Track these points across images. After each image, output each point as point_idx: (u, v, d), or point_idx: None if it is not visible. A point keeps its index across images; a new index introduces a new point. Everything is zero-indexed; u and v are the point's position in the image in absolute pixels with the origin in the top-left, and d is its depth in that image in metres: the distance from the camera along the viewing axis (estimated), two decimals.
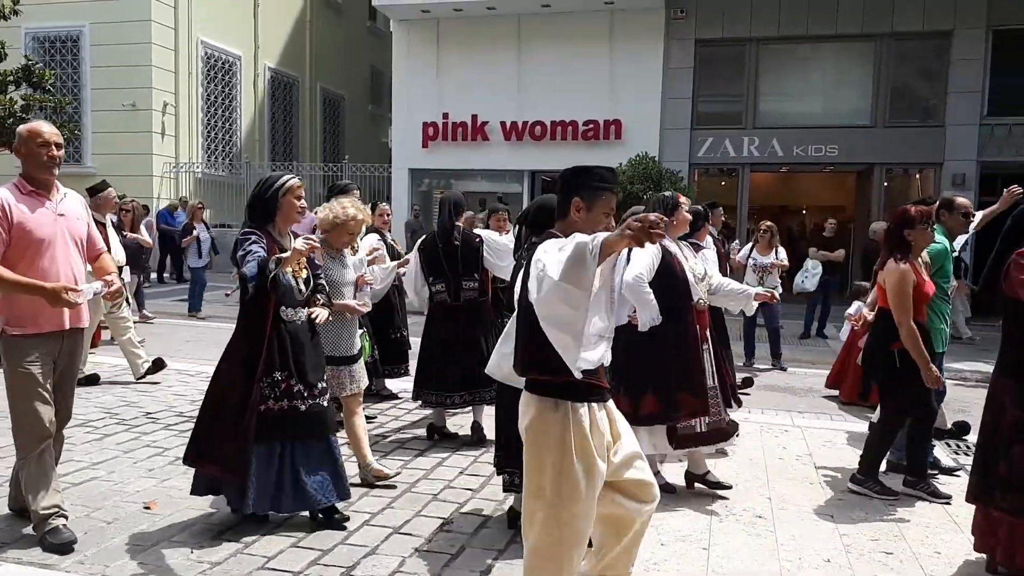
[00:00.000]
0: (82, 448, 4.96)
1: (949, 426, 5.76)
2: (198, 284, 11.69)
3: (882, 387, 4.58)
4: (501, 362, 3.08)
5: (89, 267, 3.77)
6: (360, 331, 4.62)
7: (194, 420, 5.69)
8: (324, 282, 4.00)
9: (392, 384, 6.65)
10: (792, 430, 5.94)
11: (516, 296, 2.85)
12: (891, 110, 14.63)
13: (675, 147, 15.27)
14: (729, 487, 4.43)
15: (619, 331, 3.54)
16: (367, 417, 5.32)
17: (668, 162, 14.83)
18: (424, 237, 5.44)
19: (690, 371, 4.23)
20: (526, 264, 2.68)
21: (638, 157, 14.27)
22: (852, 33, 14.58)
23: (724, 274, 5.64)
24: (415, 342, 5.90)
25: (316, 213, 4.74)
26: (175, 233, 15.28)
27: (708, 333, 4.49)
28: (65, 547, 3.46)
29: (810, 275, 10.08)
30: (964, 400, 7.09)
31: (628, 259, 3.65)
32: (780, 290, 8.87)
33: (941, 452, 5.21)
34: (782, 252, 8.86)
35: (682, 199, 4.49)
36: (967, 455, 5.42)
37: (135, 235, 9.53)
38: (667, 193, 4.58)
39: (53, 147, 3.52)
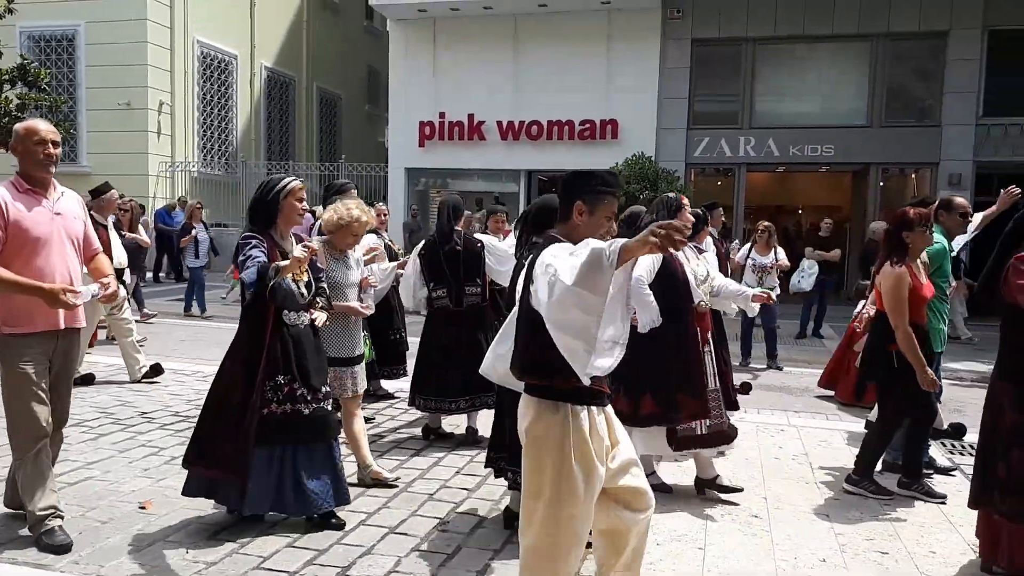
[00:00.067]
0: (77, 448, 4.95)
1: (946, 427, 5.76)
2: (196, 284, 11.67)
3: (881, 388, 4.58)
4: (496, 363, 3.07)
5: (85, 268, 3.76)
6: (363, 333, 4.62)
7: (190, 420, 5.71)
8: (325, 285, 4.00)
9: (388, 384, 6.64)
10: (788, 430, 5.95)
11: (517, 296, 2.83)
12: (887, 110, 14.67)
13: (671, 147, 15.28)
14: (740, 490, 4.39)
15: None
16: (366, 419, 5.31)
17: (664, 162, 14.85)
18: (424, 242, 5.40)
19: (690, 372, 4.22)
20: (527, 265, 2.67)
21: (634, 157, 14.29)
22: (848, 33, 14.61)
23: (724, 274, 5.63)
24: (413, 342, 5.90)
25: (314, 213, 4.74)
26: (173, 233, 15.26)
27: (710, 335, 4.45)
28: (61, 549, 3.45)
29: (806, 275, 10.09)
30: (960, 400, 7.11)
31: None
32: (778, 290, 8.89)
33: (937, 452, 5.22)
34: (781, 252, 8.87)
35: (685, 201, 4.48)
36: (962, 455, 5.44)
37: (133, 235, 9.51)
38: (671, 195, 4.55)
39: (50, 145, 3.50)
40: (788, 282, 10.05)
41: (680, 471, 4.74)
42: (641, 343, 4.02)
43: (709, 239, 6.04)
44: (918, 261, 4.46)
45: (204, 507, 3.98)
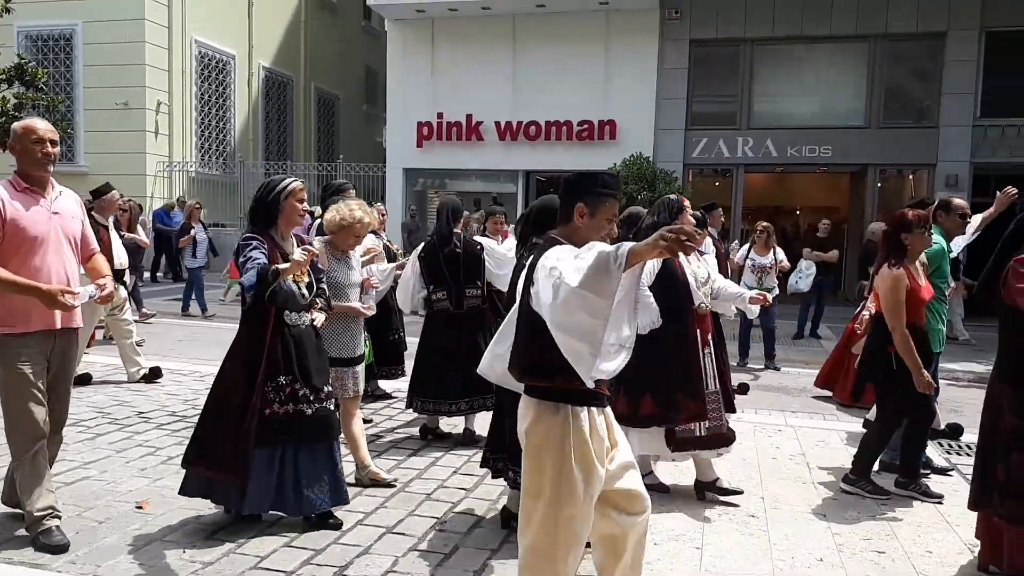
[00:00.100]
0: (74, 447, 4.94)
1: (943, 427, 5.77)
2: (196, 285, 11.64)
3: (881, 388, 4.57)
4: (495, 363, 3.06)
5: (82, 268, 3.75)
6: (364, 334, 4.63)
7: (187, 420, 5.71)
8: (325, 286, 4.00)
9: (386, 384, 6.64)
10: (785, 430, 5.95)
11: (518, 297, 2.83)
12: (885, 111, 14.68)
13: (669, 147, 15.29)
14: (740, 492, 4.38)
15: None
16: (364, 420, 5.31)
17: (662, 162, 14.85)
18: (423, 244, 5.40)
19: (690, 373, 4.22)
20: (528, 266, 2.66)
21: (632, 157, 14.30)
22: (846, 34, 14.63)
23: (724, 274, 5.62)
24: (411, 342, 5.89)
25: (312, 214, 4.73)
26: (171, 233, 15.23)
27: (710, 337, 4.43)
28: (58, 549, 3.45)
29: (804, 276, 10.10)
30: (957, 400, 7.12)
31: None
32: (777, 291, 8.91)
33: (934, 452, 5.23)
34: (780, 252, 8.89)
35: (686, 203, 4.47)
36: (959, 455, 5.45)
37: (132, 235, 9.49)
38: (672, 197, 4.54)
39: (48, 144, 3.50)
40: (786, 283, 10.07)
41: (678, 471, 4.74)
42: (641, 344, 4.00)
43: (709, 240, 6.03)
44: (917, 262, 4.47)
45: (201, 507, 3.98)
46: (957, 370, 8.57)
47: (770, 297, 4.81)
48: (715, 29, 15.03)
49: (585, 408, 2.59)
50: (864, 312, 5.74)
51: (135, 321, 7.99)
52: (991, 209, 5.60)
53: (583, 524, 2.61)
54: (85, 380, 6.76)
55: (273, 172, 18.09)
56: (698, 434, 4.28)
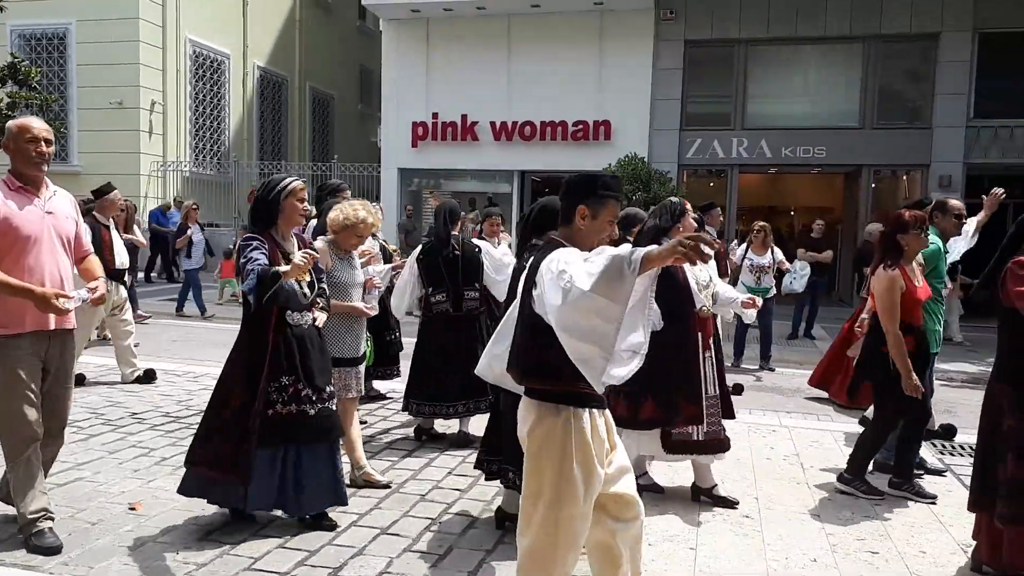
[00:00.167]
0: (67, 448, 4.88)
1: (937, 428, 5.79)
2: (193, 286, 11.61)
3: (879, 389, 4.56)
4: (492, 363, 3.06)
5: (75, 269, 3.74)
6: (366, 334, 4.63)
7: (180, 421, 5.69)
8: (326, 286, 4.00)
9: (381, 384, 6.63)
10: (779, 430, 5.97)
11: (517, 298, 2.82)
12: (878, 112, 14.71)
13: (664, 148, 15.30)
14: (735, 504, 4.33)
15: None
16: (360, 420, 5.30)
17: (657, 163, 14.87)
18: (421, 247, 5.40)
19: (689, 376, 4.20)
20: (529, 268, 2.65)
21: (627, 158, 14.31)
22: (840, 35, 14.66)
23: (723, 274, 5.61)
24: (407, 342, 5.89)
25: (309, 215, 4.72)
26: (167, 233, 15.19)
27: (711, 341, 4.40)
28: (51, 550, 3.43)
29: (798, 276, 10.12)
30: (950, 401, 7.14)
31: None
32: (775, 291, 8.93)
33: (928, 453, 5.24)
34: (778, 252, 8.92)
35: (688, 206, 4.47)
36: (953, 455, 5.46)
37: (130, 236, 9.45)
38: (674, 199, 4.52)
39: (42, 143, 3.48)
40: (780, 283, 10.10)
41: (672, 472, 4.75)
42: None
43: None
44: (913, 263, 4.48)
45: (195, 508, 3.97)
46: (951, 371, 8.60)
47: (759, 300, 4.79)
48: (710, 30, 15.05)
49: (586, 410, 2.58)
50: (864, 314, 5.76)
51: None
52: (983, 212, 5.63)
53: (582, 525, 2.60)
54: (79, 381, 6.71)
55: (267, 172, 18.05)
56: (695, 438, 4.26)
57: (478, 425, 5.35)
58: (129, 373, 6.92)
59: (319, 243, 4.34)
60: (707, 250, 2.18)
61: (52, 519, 3.56)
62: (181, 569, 3.36)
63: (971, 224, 5.48)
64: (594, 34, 15.55)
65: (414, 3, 15.66)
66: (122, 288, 7.05)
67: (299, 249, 3.77)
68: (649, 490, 4.39)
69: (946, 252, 5.11)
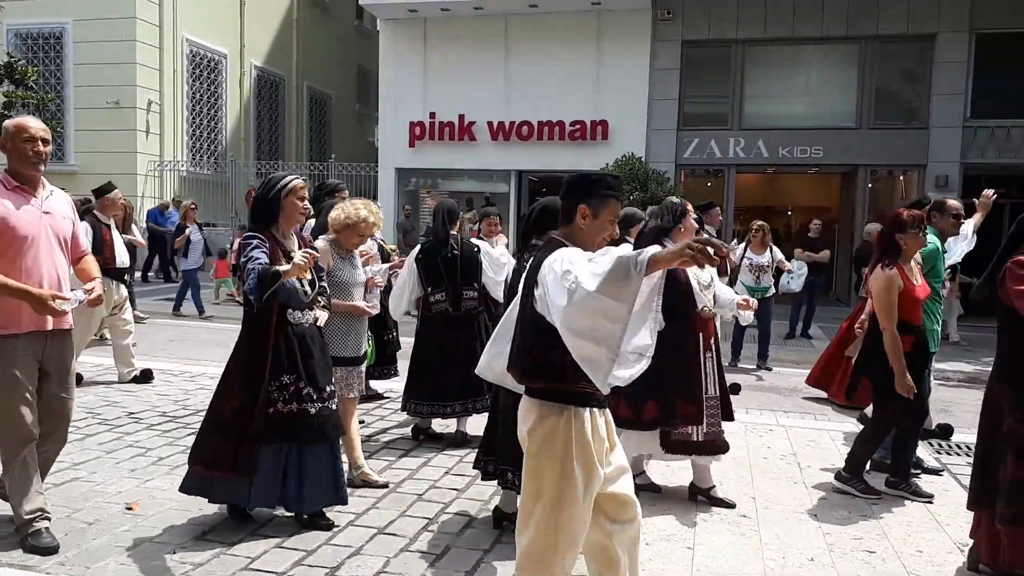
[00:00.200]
0: (63, 448, 4.90)
1: (933, 427, 5.80)
2: (192, 286, 11.60)
3: (879, 388, 4.55)
4: (493, 363, 3.05)
5: (71, 269, 3.73)
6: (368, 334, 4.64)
7: (177, 420, 5.69)
8: (326, 284, 4.00)
9: (378, 384, 6.63)
10: (776, 430, 5.97)
11: (518, 297, 2.81)
12: (875, 112, 14.73)
13: (661, 148, 15.31)
14: (732, 505, 4.33)
15: None
16: (358, 420, 5.31)
17: (654, 163, 14.88)
18: (420, 247, 5.40)
19: (687, 375, 4.19)
20: (530, 267, 2.65)
21: (624, 158, 14.32)
22: (837, 35, 14.68)
23: (723, 273, 5.60)
24: (404, 342, 5.88)
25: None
26: (165, 233, 15.16)
27: (712, 342, 4.39)
28: (47, 550, 3.43)
29: (795, 276, 10.15)
30: (947, 401, 7.16)
31: None
32: (774, 290, 8.94)
33: (924, 452, 5.25)
34: (777, 251, 8.93)
35: (690, 207, 4.46)
36: (949, 455, 5.47)
37: (128, 236, 9.42)
38: (676, 200, 4.51)
39: (39, 143, 3.47)
40: (778, 283, 10.11)
41: (669, 471, 4.75)
42: None
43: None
44: (912, 262, 4.48)
45: (192, 508, 3.96)
46: (947, 370, 8.61)
47: (754, 301, 4.78)
48: (707, 30, 15.06)
49: (587, 409, 2.58)
50: (864, 315, 5.76)
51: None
52: (977, 215, 5.65)
53: (582, 525, 2.60)
54: (76, 381, 6.71)
55: (265, 172, 18.02)
56: (695, 439, 4.25)
57: (475, 425, 5.35)
58: (126, 373, 6.91)
59: (320, 242, 4.34)
60: (719, 255, 2.18)
61: (48, 519, 3.56)
62: (178, 569, 3.35)
63: (968, 226, 5.50)
64: (591, 34, 15.55)
65: (411, 3, 15.65)
66: (122, 287, 7.04)
67: (300, 248, 3.77)
68: (646, 490, 4.39)
69: (944, 252, 5.13)
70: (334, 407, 3.81)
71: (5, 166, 3.52)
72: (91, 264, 3.79)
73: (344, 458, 4.42)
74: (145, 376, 6.94)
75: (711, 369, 4.32)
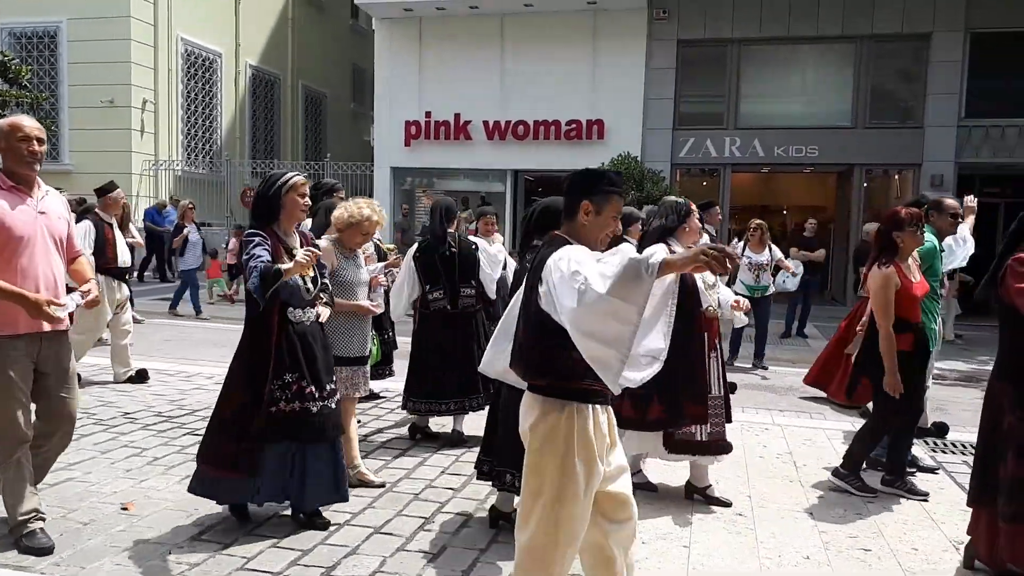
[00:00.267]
0: None
1: (929, 425, 5.82)
2: (191, 286, 11.57)
3: (880, 387, 4.57)
4: (495, 360, 3.05)
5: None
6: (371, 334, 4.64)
7: (173, 420, 5.67)
8: (328, 281, 4.00)
9: (373, 383, 6.60)
10: (772, 428, 5.98)
11: (520, 294, 2.81)
12: (871, 111, 14.76)
13: (657, 147, 15.32)
14: (728, 504, 4.33)
15: None
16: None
17: (650, 162, 14.89)
18: (417, 245, 5.40)
19: (694, 375, 4.19)
20: (533, 264, 2.64)
21: (620, 157, 14.33)
22: (832, 35, 14.70)
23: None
24: (401, 341, 5.88)
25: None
26: (162, 233, 15.12)
27: (717, 341, 4.39)
28: (42, 551, 3.41)
29: (791, 275, 10.14)
30: (942, 399, 7.17)
31: None
32: (773, 289, 8.96)
33: (920, 451, 5.26)
34: (776, 250, 8.94)
35: (694, 207, 4.46)
36: (944, 453, 5.49)
37: (130, 239, 9.38)
38: (680, 199, 4.51)
39: (35, 142, 3.44)
40: (773, 282, 10.11)
41: (666, 470, 4.75)
42: None
43: (706, 238, 6.03)
44: (909, 260, 4.49)
45: (188, 508, 3.96)
46: (943, 369, 8.63)
47: (746, 302, 4.77)
48: (703, 29, 15.08)
49: (589, 405, 2.58)
50: (866, 316, 5.77)
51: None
52: (968, 221, 5.66)
53: (582, 522, 2.60)
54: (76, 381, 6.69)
55: (260, 171, 18.02)
56: (698, 438, 4.25)
57: (471, 424, 5.35)
58: (122, 373, 6.89)
59: (324, 242, 4.34)
60: (731, 264, 2.20)
61: (43, 519, 3.55)
62: (174, 569, 3.35)
63: (965, 229, 5.50)
64: (587, 33, 15.56)
65: (407, 2, 15.64)
66: (124, 286, 7.02)
67: (302, 246, 3.77)
68: (643, 488, 4.39)
69: (942, 250, 5.14)
70: (334, 406, 3.81)
71: (0, 166, 3.51)
72: (85, 265, 3.78)
73: None
74: (140, 376, 6.92)
75: (715, 369, 4.33)
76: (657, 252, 2.30)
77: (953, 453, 5.49)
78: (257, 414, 3.60)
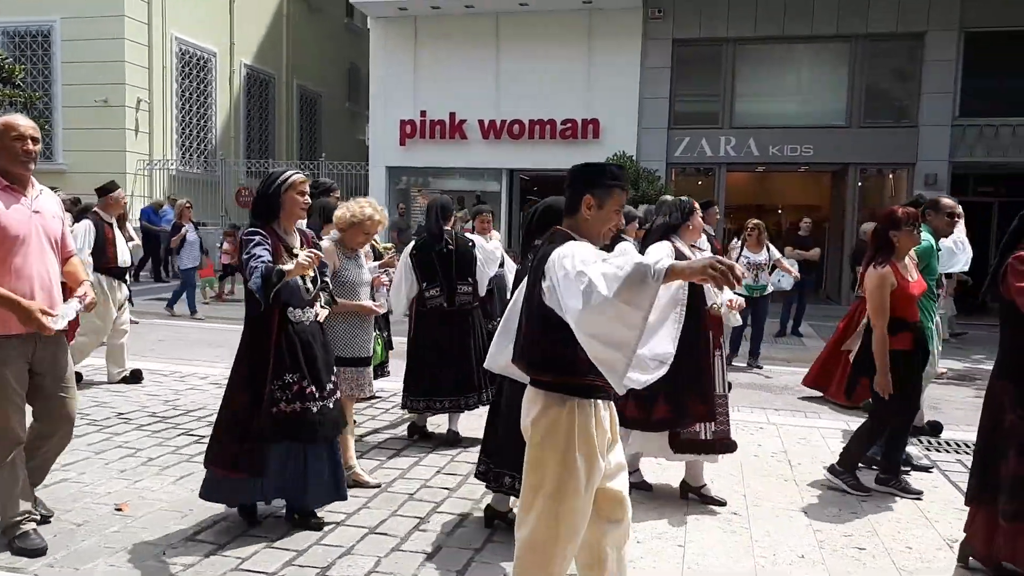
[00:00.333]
0: None
1: (923, 424, 5.83)
2: (189, 285, 11.52)
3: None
4: (499, 355, 3.05)
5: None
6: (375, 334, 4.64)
7: (167, 421, 5.66)
8: (328, 280, 3.99)
9: None
10: (767, 427, 5.99)
11: (522, 290, 2.80)
12: (865, 110, 14.80)
13: (652, 146, 15.34)
14: (723, 503, 4.33)
15: None
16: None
17: (645, 161, 14.90)
18: (414, 243, 5.40)
19: (699, 374, 4.19)
20: (536, 258, 2.64)
21: (615, 156, 14.33)
22: (827, 34, 14.74)
23: None
24: (396, 340, 5.87)
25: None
26: (159, 232, 15.07)
27: (721, 340, 4.39)
28: (35, 552, 3.40)
29: (786, 274, 10.16)
30: (936, 398, 7.18)
31: None
32: (771, 288, 8.97)
33: (914, 449, 5.27)
34: (774, 249, 8.96)
35: (696, 205, 4.47)
36: (939, 452, 5.50)
37: (132, 242, 9.35)
38: (683, 198, 4.51)
39: (29, 141, 3.43)
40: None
41: (661, 469, 4.75)
42: None
43: (705, 238, 6.04)
44: (906, 259, 4.50)
45: (182, 508, 3.95)
46: (938, 368, 8.63)
47: (741, 301, 4.78)
48: (698, 29, 15.09)
49: (591, 400, 2.58)
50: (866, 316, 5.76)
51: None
52: (959, 226, 5.66)
53: (583, 517, 2.60)
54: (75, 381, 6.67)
55: (255, 170, 17.99)
56: (703, 437, 4.25)
57: (466, 424, 5.35)
58: (116, 373, 6.87)
59: (326, 242, 4.33)
60: (738, 280, 2.22)
61: (36, 520, 3.54)
62: (168, 570, 3.34)
63: (961, 234, 5.50)
64: (582, 33, 15.56)
65: (402, 1, 15.63)
66: (124, 286, 7.00)
67: (303, 245, 3.76)
68: (638, 488, 4.39)
69: (938, 250, 5.16)
70: (332, 405, 3.81)
71: None
72: (78, 266, 3.76)
73: None
74: (135, 376, 6.91)
75: (719, 367, 4.34)
76: (663, 257, 2.30)
77: (947, 452, 5.50)
78: (257, 414, 3.60)
